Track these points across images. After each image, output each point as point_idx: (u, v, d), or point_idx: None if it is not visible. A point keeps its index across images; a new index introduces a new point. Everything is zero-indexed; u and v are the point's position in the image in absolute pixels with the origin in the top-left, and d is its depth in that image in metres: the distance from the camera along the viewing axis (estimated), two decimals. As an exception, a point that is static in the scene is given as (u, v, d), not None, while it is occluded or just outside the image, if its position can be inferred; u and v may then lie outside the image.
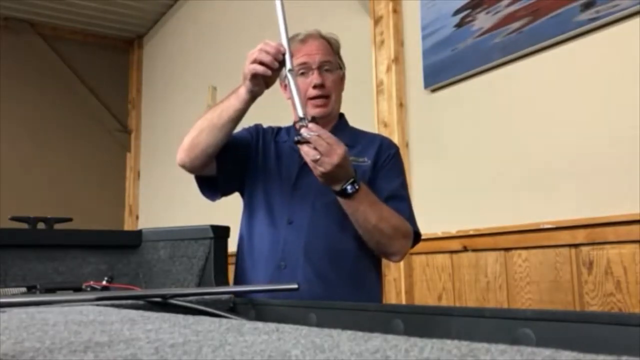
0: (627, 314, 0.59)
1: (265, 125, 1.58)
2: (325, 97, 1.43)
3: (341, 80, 1.50)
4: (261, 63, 1.21)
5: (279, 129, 1.57)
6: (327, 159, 1.17)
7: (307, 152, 1.17)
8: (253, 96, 1.27)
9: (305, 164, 1.38)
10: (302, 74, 1.43)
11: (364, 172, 1.40)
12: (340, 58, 1.51)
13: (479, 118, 2.11)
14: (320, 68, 1.43)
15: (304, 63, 1.43)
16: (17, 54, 4.95)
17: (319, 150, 1.16)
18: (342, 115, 1.54)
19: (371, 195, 1.30)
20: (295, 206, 1.39)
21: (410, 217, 1.41)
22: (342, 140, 1.42)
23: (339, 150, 1.17)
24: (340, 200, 1.27)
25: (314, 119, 1.22)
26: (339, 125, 1.50)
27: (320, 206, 1.37)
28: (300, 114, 1.17)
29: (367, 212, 1.28)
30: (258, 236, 1.43)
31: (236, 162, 1.45)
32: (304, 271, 1.32)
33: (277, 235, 1.38)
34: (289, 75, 1.21)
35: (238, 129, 1.41)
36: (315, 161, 1.17)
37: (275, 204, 1.41)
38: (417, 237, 1.43)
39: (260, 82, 1.25)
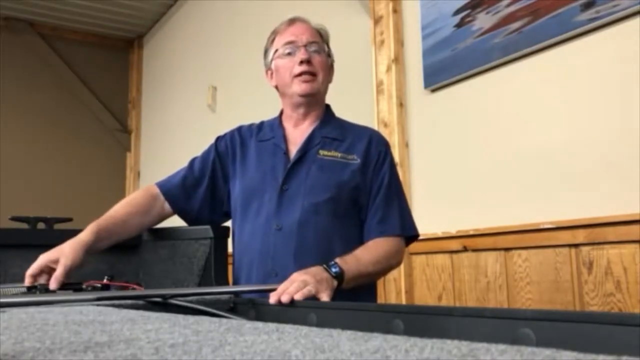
0: (627, 314, 0.59)
1: (247, 124, 1.54)
2: (312, 74, 1.39)
3: (329, 67, 1.46)
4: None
5: (261, 124, 1.52)
6: (296, 283, 1.05)
7: (303, 293, 1.03)
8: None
9: (294, 163, 1.36)
10: (289, 53, 1.40)
11: (353, 172, 1.36)
12: (329, 48, 1.47)
13: (479, 118, 2.11)
14: (307, 47, 1.39)
15: (291, 42, 1.40)
16: (17, 54, 4.95)
17: (292, 289, 1.03)
18: (328, 106, 1.50)
19: (349, 260, 1.23)
20: (284, 209, 1.34)
21: (403, 221, 1.38)
22: (330, 133, 1.42)
23: (292, 277, 1.09)
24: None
25: None
26: (325, 117, 1.46)
27: (309, 206, 1.33)
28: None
29: (362, 273, 1.24)
30: (249, 243, 1.40)
31: (208, 198, 1.47)
32: None
33: (266, 242, 1.34)
34: None
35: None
36: (307, 289, 1.05)
37: (264, 208, 1.36)
38: (413, 237, 1.42)
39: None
